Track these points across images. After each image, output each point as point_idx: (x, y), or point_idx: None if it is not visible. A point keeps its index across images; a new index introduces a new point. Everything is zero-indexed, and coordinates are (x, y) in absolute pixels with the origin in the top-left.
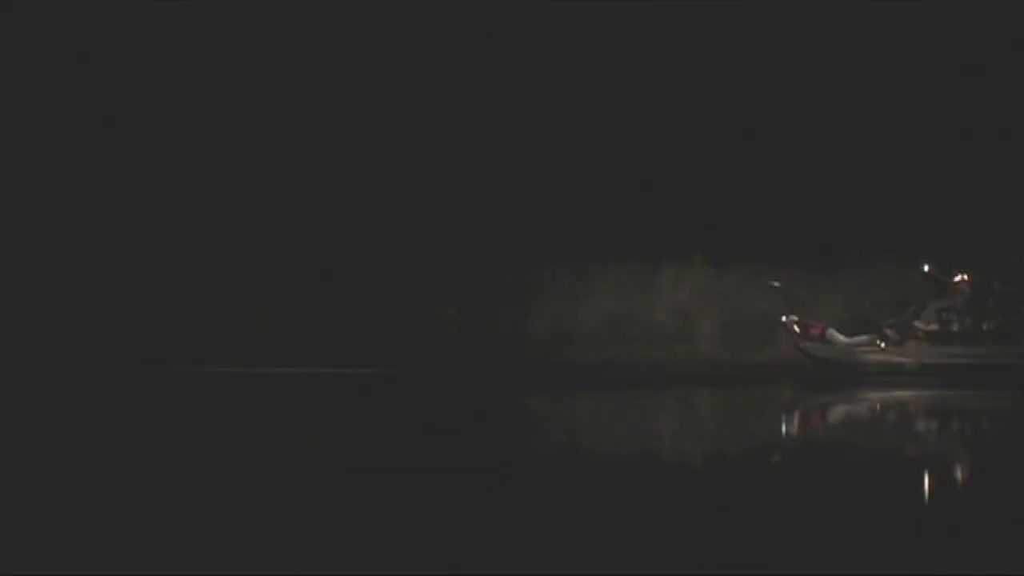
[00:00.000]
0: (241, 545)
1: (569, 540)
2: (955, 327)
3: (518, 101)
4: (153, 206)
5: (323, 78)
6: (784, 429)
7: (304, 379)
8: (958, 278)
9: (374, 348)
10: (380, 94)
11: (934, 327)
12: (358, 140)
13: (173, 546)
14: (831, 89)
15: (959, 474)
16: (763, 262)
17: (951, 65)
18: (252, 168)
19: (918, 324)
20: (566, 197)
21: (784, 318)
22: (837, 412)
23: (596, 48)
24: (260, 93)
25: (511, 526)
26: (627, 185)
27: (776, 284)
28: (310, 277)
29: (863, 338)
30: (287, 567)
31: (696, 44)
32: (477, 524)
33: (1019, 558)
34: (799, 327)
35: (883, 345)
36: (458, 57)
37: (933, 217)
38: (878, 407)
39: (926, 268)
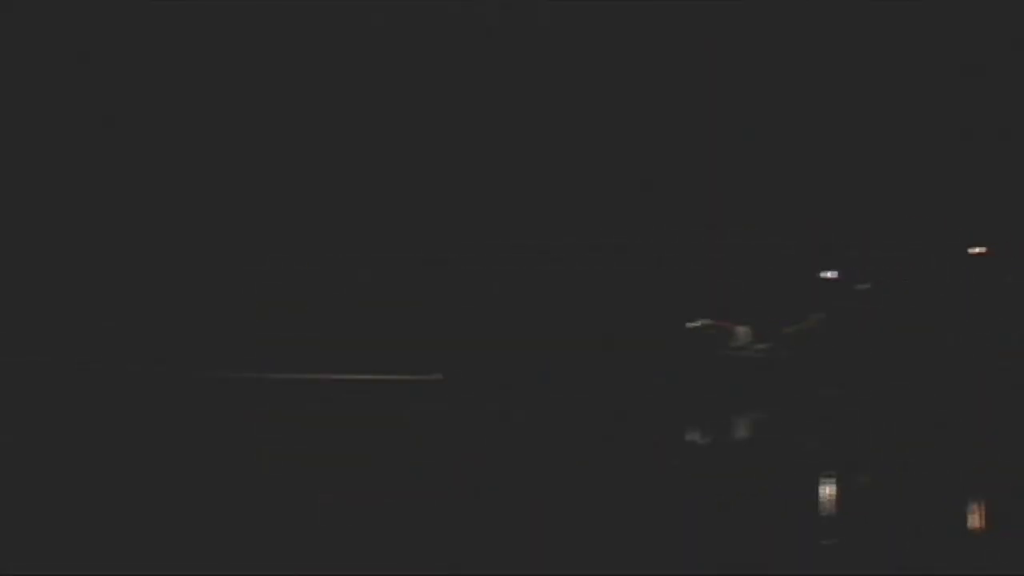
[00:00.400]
0: (238, 545)
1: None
2: (844, 335)
3: (518, 101)
4: (153, 206)
5: (323, 78)
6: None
7: (302, 380)
8: (862, 286)
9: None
10: (380, 94)
11: (824, 333)
12: (358, 140)
13: (170, 545)
14: (831, 89)
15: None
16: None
17: (951, 65)
18: (252, 168)
19: (805, 330)
20: (565, 197)
21: (696, 323)
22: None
23: (596, 48)
24: (260, 93)
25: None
26: (627, 185)
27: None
28: (309, 277)
29: (764, 346)
30: (284, 567)
31: (696, 44)
32: (470, 524)
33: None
34: (717, 329)
35: (779, 351)
36: (458, 57)
37: (932, 216)
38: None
39: (830, 274)
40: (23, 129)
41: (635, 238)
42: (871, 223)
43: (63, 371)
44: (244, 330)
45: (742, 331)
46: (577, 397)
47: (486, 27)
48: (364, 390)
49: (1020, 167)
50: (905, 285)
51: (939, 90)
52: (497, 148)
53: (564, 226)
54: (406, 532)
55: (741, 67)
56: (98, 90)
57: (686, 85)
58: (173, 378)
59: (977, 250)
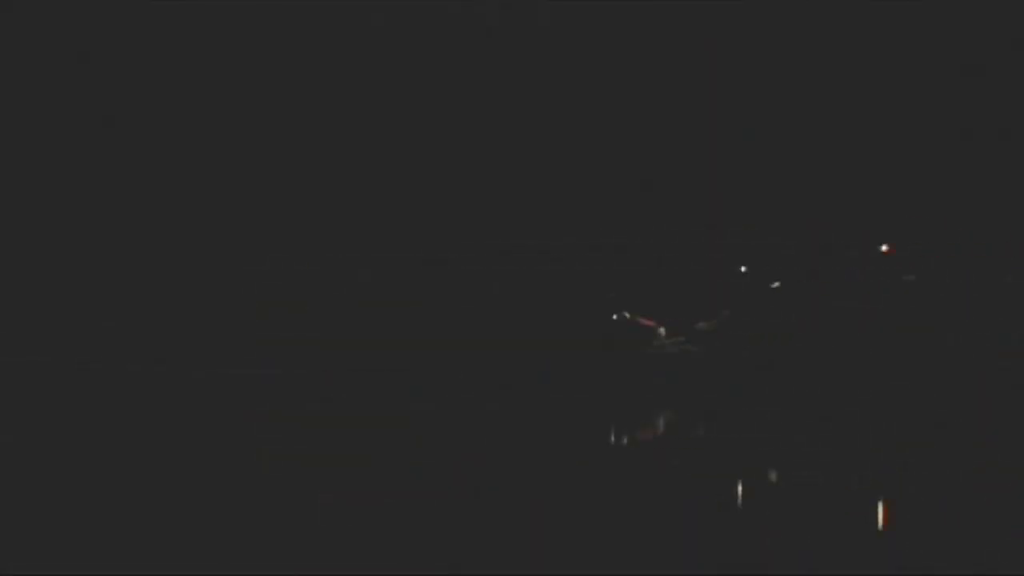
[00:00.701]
0: (238, 544)
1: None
2: (749, 331)
3: (518, 101)
4: (153, 206)
5: (323, 78)
6: None
7: (301, 380)
8: (775, 284)
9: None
10: (380, 94)
11: (731, 329)
12: (358, 140)
13: (170, 545)
14: (831, 89)
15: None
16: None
17: (951, 65)
18: (252, 168)
19: (715, 326)
20: (565, 197)
21: (624, 315)
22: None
23: (596, 48)
24: (260, 93)
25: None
26: (627, 185)
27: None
28: (309, 277)
29: (679, 339)
30: (284, 567)
31: (696, 44)
32: (470, 524)
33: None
34: (648, 323)
35: (691, 348)
36: (458, 57)
37: (933, 217)
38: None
39: (743, 269)
40: (23, 129)
41: (635, 238)
42: (871, 223)
43: (63, 371)
44: (244, 330)
45: (660, 328)
46: (577, 397)
47: (486, 27)
48: (364, 390)
49: (1020, 167)
50: (815, 282)
51: (939, 90)
52: (497, 148)
53: (564, 226)
54: (406, 532)
55: (741, 67)
56: (98, 90)
57: (686, 85)
58: (173, 378)
59: (885, 248)
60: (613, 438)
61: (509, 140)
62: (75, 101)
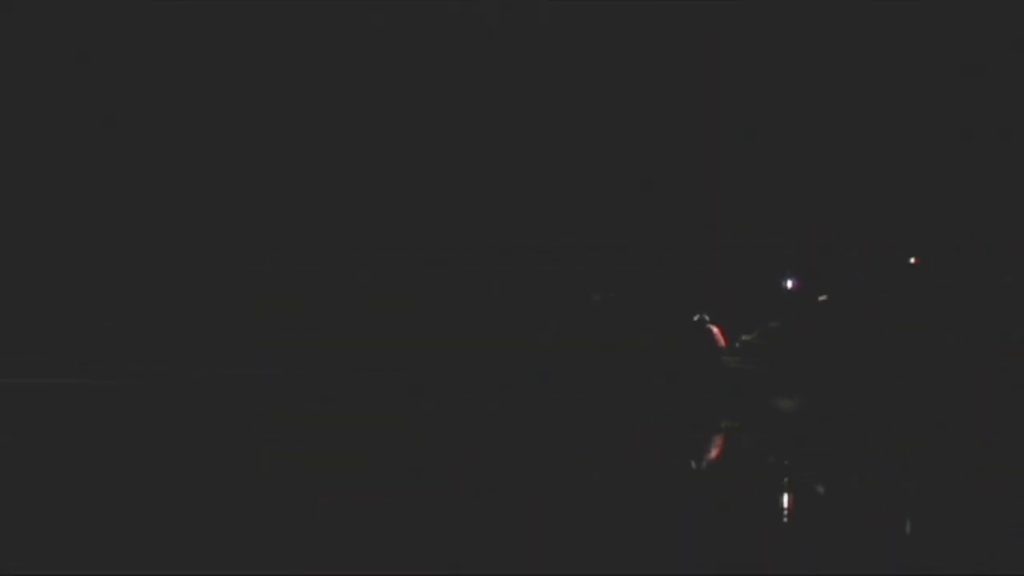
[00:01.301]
0: (238, 544)
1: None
2: (799, 344)
3: (518, 101)
4: (153, 206)
5: (323, 78)
6: None
7: (301, 380)
8: (822, 297)
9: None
10: (380, 94)
11: (779, 342)
12: (358, 140)
13: (170, 545)
14: (831, 89)
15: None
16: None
17: (951, 65)
18: (252, 168)
19: (761, 339)
20: (565, 197)
21: (702, 317)
22: None
23: (596, 48)
24: (260, 93)
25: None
26: (627, 185)
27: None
28: (309, 277)
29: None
30: (284, 567)
31: (696, 44)
32: (470, 524)
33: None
34: (719, 335)
35: (736, 359)
36: (458, 57)
37: (933, 217)
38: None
39: (789, 284)
40: (23, 129)
41: (635, 238)
42: (871, 223)
43: (63, 371)
44: (244, 330)
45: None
46: (577, 397)
47: (486, 27)
48: (364, 390)
49: (1020, 167)
50: (863, 293)
51: (939, 90)
52: (497, 148)
53: (564, 226)
54: (406, 532)
55: (741, 67)
56: (98, 90)
57: (686, 85)
58: (173, 378)
59: (912, 260)
60: (613, 438)
61: (509, 140)
62: (75, 101)
